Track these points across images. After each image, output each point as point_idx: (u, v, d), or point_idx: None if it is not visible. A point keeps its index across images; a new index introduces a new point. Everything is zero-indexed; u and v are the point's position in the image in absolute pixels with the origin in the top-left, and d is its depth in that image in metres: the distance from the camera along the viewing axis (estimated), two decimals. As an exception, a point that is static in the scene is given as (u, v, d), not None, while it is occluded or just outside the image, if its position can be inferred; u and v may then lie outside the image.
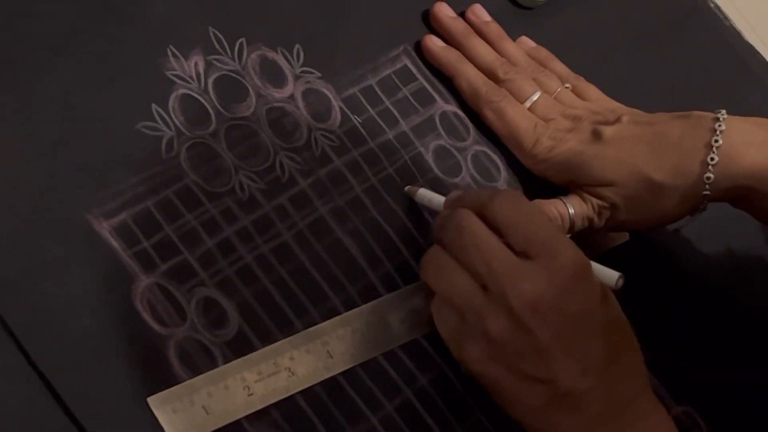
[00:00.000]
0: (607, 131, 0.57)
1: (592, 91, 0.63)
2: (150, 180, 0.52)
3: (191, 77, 0.55)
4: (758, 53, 0.72)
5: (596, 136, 0.58)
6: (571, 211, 0.57)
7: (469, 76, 0.61)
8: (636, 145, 0.56)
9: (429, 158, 0.59)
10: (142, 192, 0.52)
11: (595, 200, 0.57)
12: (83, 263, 0.49)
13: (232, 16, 0.58)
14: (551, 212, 0.57)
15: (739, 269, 0.64)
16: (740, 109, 0.68)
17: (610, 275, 0.51)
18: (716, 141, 0.54)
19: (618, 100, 0.63)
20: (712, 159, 0.54)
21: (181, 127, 0.54)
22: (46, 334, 0.48)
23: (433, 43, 0.62)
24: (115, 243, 0.50)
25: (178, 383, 0.49)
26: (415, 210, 0.57)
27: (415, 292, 0.54)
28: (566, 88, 0.62)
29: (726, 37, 0.71)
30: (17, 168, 0.50)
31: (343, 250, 0.55)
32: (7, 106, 0.51)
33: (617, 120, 0.58)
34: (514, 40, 0.65)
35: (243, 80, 0.57)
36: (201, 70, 0.56)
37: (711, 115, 0.56)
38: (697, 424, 0.58)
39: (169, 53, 0.56)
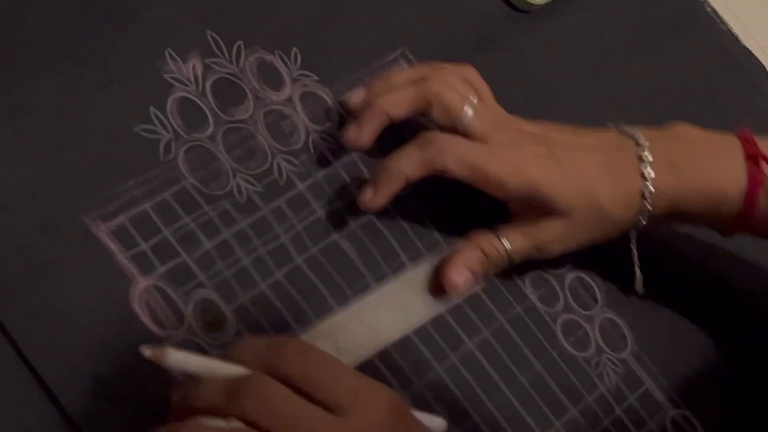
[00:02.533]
0: (564, 156, 0.54)
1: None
2: (148, 182, 0.52)
3: (189, 80, 0.56)
4: (755, 57, 0.72)
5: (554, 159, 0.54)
6: (509, 247, 0.55)
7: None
8: (590, 171, 0.54)
9: (426, 161, 0.59)
10: (139, 194, 0.52)
11: (539, 236, 0.55)
12: (81, 266, 0.50)
13: (230, 19, 0.58)
14: (489, 250, 0.55)
15: (736, 272, 0.64)
16: (737, 113, 0.68)
17: (436, 423, 0.48)
18: (645, 167, 0.54)
19: (614, 104, 0.63)
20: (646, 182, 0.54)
21: (178, 130, 0.54)
22: (44, 336, 0.48)
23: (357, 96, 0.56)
24: (112, 245, 0.51)
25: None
26: (414, 210, 0.57)
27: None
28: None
29: (723, 42, 0.72)
30: (15, 170, 0.51)
31: (340, 252, 0.55)
32: (5, 109, 0.52)
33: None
34: (510, 43, 0.64)
35: (241, 83, 0.57)
36: (199, 73, 0.56)
37: (632, 142, 0.55)
38: (693, 427, 0.58)
39: (167, 56, 0.56)
